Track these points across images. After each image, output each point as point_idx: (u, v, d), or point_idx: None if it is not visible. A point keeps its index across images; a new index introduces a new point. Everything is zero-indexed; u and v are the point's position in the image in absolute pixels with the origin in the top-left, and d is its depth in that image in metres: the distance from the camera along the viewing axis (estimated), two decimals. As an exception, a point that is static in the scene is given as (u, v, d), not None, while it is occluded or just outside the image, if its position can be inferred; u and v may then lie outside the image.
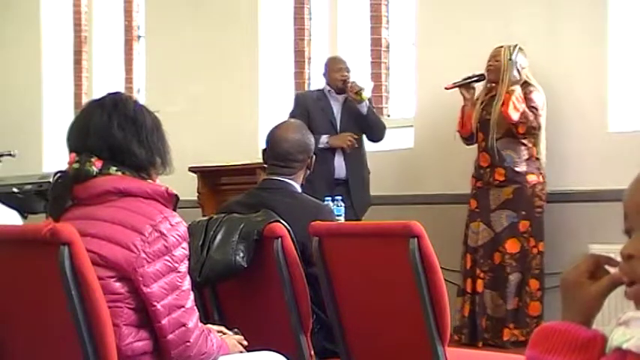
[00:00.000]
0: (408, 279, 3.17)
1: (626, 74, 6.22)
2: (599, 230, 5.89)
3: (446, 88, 6.34)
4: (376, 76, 7.75)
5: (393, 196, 7.05)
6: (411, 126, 7.24)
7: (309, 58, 8.21)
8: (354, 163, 6.53)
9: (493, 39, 6.30)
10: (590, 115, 6.20)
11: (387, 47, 7.76)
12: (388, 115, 7.78)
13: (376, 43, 7.73)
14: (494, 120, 6.06)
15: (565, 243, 6.21)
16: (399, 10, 7.72)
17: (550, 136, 6.12)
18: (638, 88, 6.22)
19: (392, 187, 7.15)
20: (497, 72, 6.11)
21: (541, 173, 6.05)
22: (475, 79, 6.28)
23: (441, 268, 3.29)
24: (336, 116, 6.63)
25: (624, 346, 1.41)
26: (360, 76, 7.74)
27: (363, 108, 6.54)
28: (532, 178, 6.02)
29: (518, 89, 5.96)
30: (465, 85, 6.29)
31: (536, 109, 6.02)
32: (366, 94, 6.59)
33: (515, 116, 5.92)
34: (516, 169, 6.03)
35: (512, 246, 6.01)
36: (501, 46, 6.13)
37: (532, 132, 6.01)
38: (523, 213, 6.01)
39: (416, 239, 3.16)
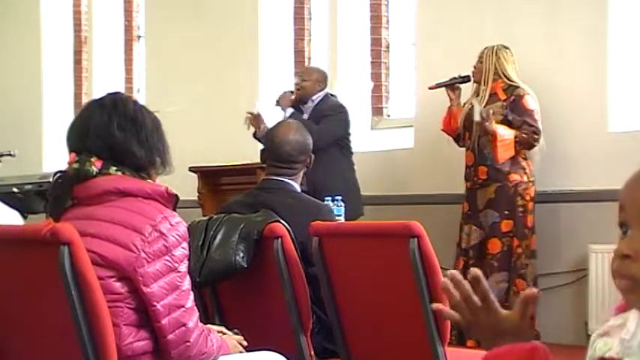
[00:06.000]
0: (408, 279, 3.17)
1: (626, 74, 6.22)
2: (599, 230, 5.89)
3: (429, 88, 6.41)
4: (376, 76, 7.75)
5: (393, 196, 7.05)
6: (411, 126, 7.24)
7: (309, 58, 8.21)
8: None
9: (493, 39, 6.30)
10: (590, 115, 6.20)
11: (387, 47, 7.76)
12: (388, 115, 7.78)
13: (376, 43, 7.73)
14: (476, 119, 6.07)
15: (565, 243, 6.22)
16: (399, 10, 7.73)
17: (550, 136, 6.12)
18: (638, 88, 6.22)
19: (392, 187, 7.15)
20: (479, 73, 6.14)
21: (526, 173, 6.03)
22: (459, 80, 6.31)
23: (441, 268, 3.29)
24: None
25: (607, 355, 1.45)
26: (359, 76, 7.76)
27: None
28: (515, 177, 6.00)
29: (497, 128, 5.92)
30: (450, 86, 6.32)
31: (532, 115, 6.01)
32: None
33: (508, 155, 5.93)
34: (498, 167, 6.02)
35: (493, 246, 6.01)
36: (486, 47, 6.16)
37: (535, 143, 6.00)
38: (506, 212, 5.99)
39: (416, 239, 3.17)
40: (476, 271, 1.51)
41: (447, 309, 1.52)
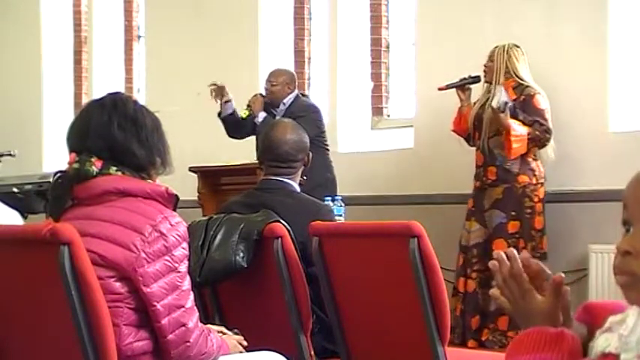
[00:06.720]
0: (408, 279, 3.17)
1: (626, 74, 6.22)
2: (599, 230, 5.89)
3: (439, 89, 6.36)
4: (376, 76, 7.75)
5: (393, 196, 7.05)
6: (411, 126, 7.24)
7: (309, 58, 8.21)
8: None
9: (493, 39, 6.30)
10: (590, 115, 6.20)
11: (387, 47, 7.76)
12: (388, 115, 7.78)
13: (376, 43, 7.73)
14: (486, 119, 6.05)
15: (565, 243, 6.21)
16: (399, 10, 7.73)
17: (550, 136, 6.13)
18: (638, 88, 6.22)
19: (392, 187, 7.15)
20: (491, 73, 6.12)
21: (535, 175, 6.01)
22: (470, 80, 6.28)
23: (441, 268, 3.29)
24: None
25: (606, 351, 1.48)
26: (359, 75, 7.76)
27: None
28: (523, 179, 5.98)
29: (508, 121, 5.90)
30: (460, 86, 6.29)
31: (542, 114, 5.99)
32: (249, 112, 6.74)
33: (520, 151, 5.90)
34: (507, 167, 6.00)
35: (499, 247, 5.93)
36: (497, 46, 6.14)
37: (546, 143, 5.99)
38: (512, 214, 5.97)
39: (416, 239, 3.17)
40: (525, 253, 1.62)
41: (501, 297, 1.60)
